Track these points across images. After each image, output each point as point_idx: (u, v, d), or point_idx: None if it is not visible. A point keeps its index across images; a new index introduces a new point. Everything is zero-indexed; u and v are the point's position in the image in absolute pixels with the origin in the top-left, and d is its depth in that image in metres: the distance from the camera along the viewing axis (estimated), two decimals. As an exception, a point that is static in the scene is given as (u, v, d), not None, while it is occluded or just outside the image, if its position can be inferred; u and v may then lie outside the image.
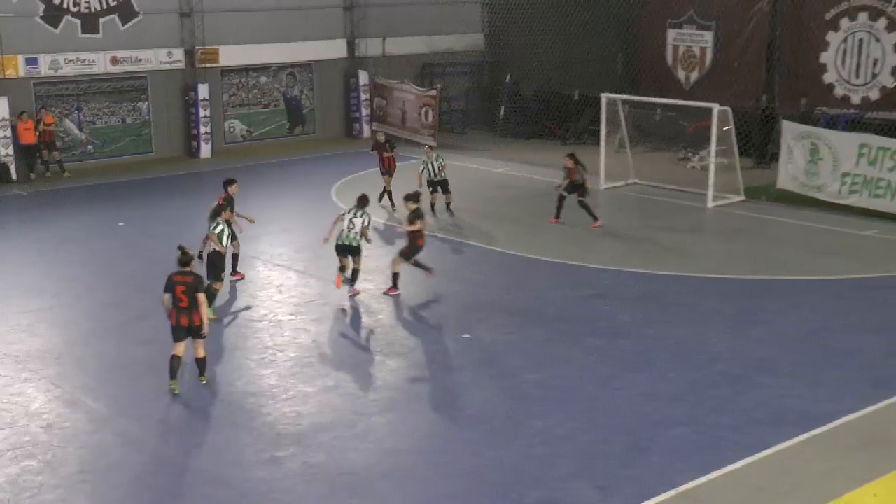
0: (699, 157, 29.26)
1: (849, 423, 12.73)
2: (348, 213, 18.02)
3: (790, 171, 24.85)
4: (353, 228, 17.80)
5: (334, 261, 20.00)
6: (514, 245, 21.26)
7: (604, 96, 27.53)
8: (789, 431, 12.43)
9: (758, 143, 29.70)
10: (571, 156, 23.09)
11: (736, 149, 25.70)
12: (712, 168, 25.09)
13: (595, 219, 22.76)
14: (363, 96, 35.70)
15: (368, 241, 18.12)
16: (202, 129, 32.31)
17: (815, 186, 24.35)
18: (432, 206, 24.06)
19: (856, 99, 29.27)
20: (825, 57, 29.74)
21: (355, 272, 18.17)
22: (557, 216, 23.06)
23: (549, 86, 35.51)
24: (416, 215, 18.12)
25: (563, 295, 18.08)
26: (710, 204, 24.81)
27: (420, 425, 12.96)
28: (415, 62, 36.90)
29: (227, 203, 18.04)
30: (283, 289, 18.72)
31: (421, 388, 14.16)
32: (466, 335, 16.12)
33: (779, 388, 13.81)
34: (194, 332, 13.81)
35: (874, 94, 28.86)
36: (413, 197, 18.40)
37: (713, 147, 25.14)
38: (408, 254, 18.30)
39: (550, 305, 17.56)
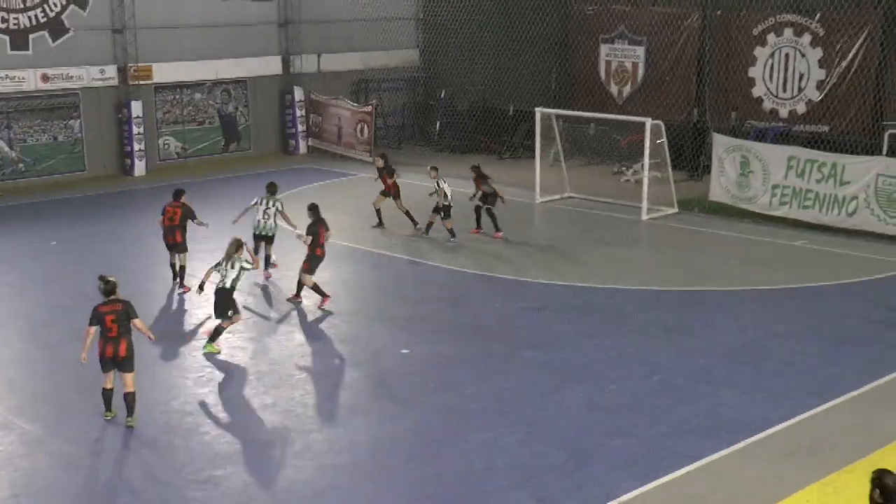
0: (633, 170, 29.50)
1: (784, 430, 12.83)
2: (262, 203, 19.03)
3: (722, 184, 25.13)
4: (268, 218, 18.84)
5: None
6: (452, 260, 21.20)
7: (538, 111, 27.65)
8: (727, 440, 12.49)
9: (690, 157, 30.02)
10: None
11: (669, 162, 25.96)
12: (646, 181, 25.30)
13: (497, 229, 23.08)
14: (299, 113, 35.47)
15: (293, 226, 19.08)
16: (136, 147, 31.83)
17: (746, 198, 24.64)
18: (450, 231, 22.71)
19: (783, 112, 29.72)
20: (753, 71, 30.17)
21: (268, 258, 19.74)
22: (478, 226, 23.47)
23: (483, 101, 35.60)
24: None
25: (502, 308, 18.04)
26: (645, 217, 24.99)
27: (360, 441, 12.80)
28: (350, 78, 36.77)
29: (187, 212, 19.22)
30: (219, 306, 18.42)
31: (359, 405, 13.99)
32: (405, 350, 16.00)
33: (716, 397, 13.89)
34: (121, 364, 13.11)
35: (801, 108, 29.33)
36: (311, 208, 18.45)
37: (646, 160, 25.36)
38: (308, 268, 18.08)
39: (489, 319, 17.51)
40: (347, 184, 30.48)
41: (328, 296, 18.09)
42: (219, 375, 15.01)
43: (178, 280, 19.41)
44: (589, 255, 21.76)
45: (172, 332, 17.00)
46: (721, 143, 25.30)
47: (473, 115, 35.52)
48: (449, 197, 22.65)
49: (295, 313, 17.88)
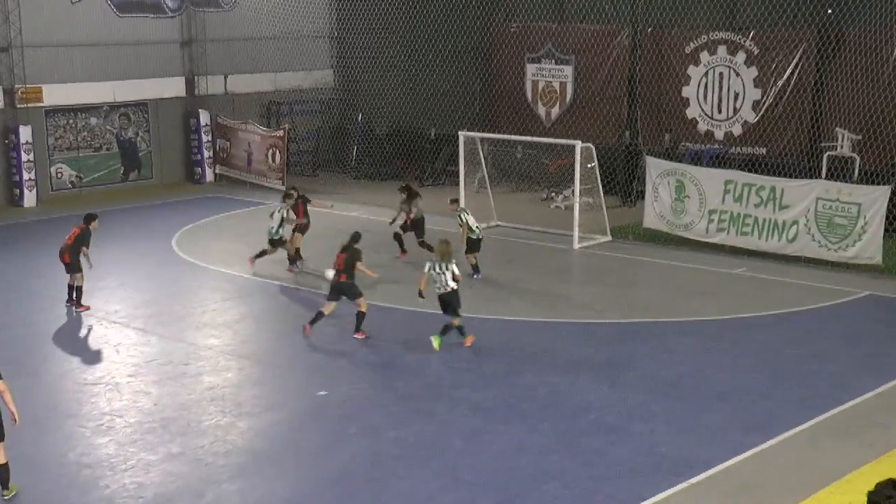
0: (563, 196, 29.87)
1: (726, 469, 13.04)
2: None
3: (656, 210, 25.58)
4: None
5: (175, 317, 19.73)
6: (370, 294, 21.20)
7: (462, 134, 27.88)
8: (665, 481, 12.67)
9: (623, 181, 30.50)
10: (403, 188, 24.23)
11: (600, 187, 26.34)
12: (577, 208, 25.64)
13: (403, 251, 23.96)
14: (205, 138, 35.31)
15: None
16: (25, 176, 31.38)
17: (682, 225, 25.11)
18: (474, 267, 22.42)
19: (719, 134, 30.39)
20: (687, 91, 30.83)
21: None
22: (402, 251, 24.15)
23: (403, 124, 35.76)
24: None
25: (425, 345, 18.11)
26: (577, 245, 25.30)
27: (274, 491, 12.74)
28: (260, 100, 36.73)
29: (84, 237, 20.11)
30: (120, 348, 18.24)
31: (274, 451, 13.93)
32: (322, 392, 15.98)
33: (653, 435, 14.09)
34: None
35: (737, 129, 30.03)
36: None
37: (577, 186, 25.70)
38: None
39: (412, 357, 17.56)
40: (258, 214, 30.33)
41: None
42: (120, 423, 14.83)
43: (72, 300, 20.46)
44: (517, 287, 21.95)
45: (70, 375, 16.77)
46: (655, 167, 25.77)
47: (392, 139, 35.68)
48: (475, 228, 22.46)
49: (204, 353, 17.76)
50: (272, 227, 23.10)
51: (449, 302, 17.82)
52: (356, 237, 19.04)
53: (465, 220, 22.54)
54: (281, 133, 33.52)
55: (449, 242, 18.26)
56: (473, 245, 22.47)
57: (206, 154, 35.44)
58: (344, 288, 18.41)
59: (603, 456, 13.47)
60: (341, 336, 18.73)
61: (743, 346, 17.97)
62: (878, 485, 8.32)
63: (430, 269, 17.78)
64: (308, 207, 24.31)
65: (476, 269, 22.39)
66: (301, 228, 23.90)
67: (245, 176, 34.48)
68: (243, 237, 26.81)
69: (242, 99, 36.27)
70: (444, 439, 14.11)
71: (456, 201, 23.82)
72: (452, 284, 17.68)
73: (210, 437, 14.32)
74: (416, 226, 24.16)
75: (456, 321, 17.86)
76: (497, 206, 28.13)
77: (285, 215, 23.09)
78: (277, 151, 33.32)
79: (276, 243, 23.15)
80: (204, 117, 35.29)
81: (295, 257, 23.52)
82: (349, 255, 18.45)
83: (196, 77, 35.60)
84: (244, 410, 15.30)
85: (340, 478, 13.02)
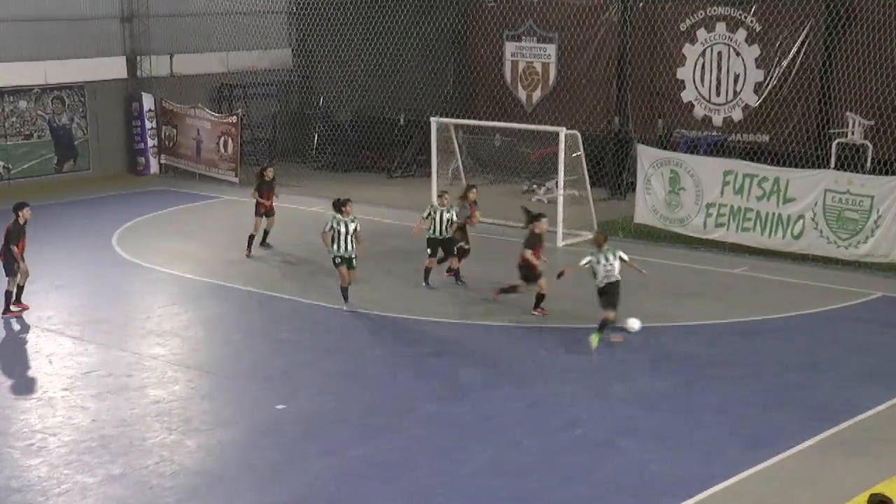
0: (546, 188, 29.95)
1: (722, 490, 13.13)
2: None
3: (649, 203, 25.69)
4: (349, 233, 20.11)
5: (116, 324, 19.75)
6: (334, 298, 21.23)
7: (434, 121, 27.90)
8: (657, 502, 12.77)
9: (611, 172, 30.61)
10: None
11: (587, 178, 26.41)
12: (561, 201, 25.70)
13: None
14: (148, 124, 35.20)
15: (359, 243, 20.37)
16: (-53, 167, 31.22)
17: (677, 220, 25.24)
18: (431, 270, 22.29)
19: (717, 120, 30.55)
20: (682, 73, 30.97)
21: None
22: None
23: (369, 109, 35.74)
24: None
25: (393, 354, 18.14)
26: (561, 243, 25.38)
27: (227, 517, 12.78)
28: (210, 83, 36.61)
29: (15, 231, 19.87)
30: (54, 359, 18.20)
31: (227, 472, 13.94)
32: (280, 406, 15.99)
33: (644, 452, 14.17)
34: None
35: (737, 114, 30.19)
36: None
37: (561, 177, 25.76)
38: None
39: (378, 367, 17.60)
40: (209, 208, 30.32)
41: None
42: (54, 442, 14.81)
43: (9, 310, 20.35)
44: (492, 289, 21.97)
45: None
46: (647, 157, 25.88)
47: (357, 126, 35.63)
48: (444, 228, 22.07)
49: (149, 364, 17.74)
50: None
51: (616, 293, 18.50)
52: (536, 217, 20.41)
53: (447, 217, 22.24)
54: (234, 119, 33.45)
55: (600, 234, 19.69)
56: (434, 244, 22.24)
57: (151, 142, 35.32)
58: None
59: (588, 475, 13.54)
60: (300, 344, 18.76)
61: (744, 353, 18.09)
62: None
63: (593, 261, 18.63)
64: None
65: (457, 274, 22.37)
66: (268, 212, 24.79)
67: (194, 167, 34.40)
68: (193, 234, 26.78)
69: (190, 81, 36.11)
70: (414, 457, 14.14)
71: (443, 195, 22.85)
72: (618, 275, 18.48)
73: (155, 457, 14.31)
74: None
75: (612, 315, 18.36)
76: (473, 199, 28.15)
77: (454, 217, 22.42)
78: (230, 139, 33.26)
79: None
80: (147, 101, 35.16)
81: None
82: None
83: (138, 57, 35.47)
84: (193, 427, 15.29)
85: (299, 501, 13.04)
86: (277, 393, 16.52)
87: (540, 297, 20.21)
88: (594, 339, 18.13)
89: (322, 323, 20.04)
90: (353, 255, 20.21)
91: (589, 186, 26.47)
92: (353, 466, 13.91)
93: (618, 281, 18.54)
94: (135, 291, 22.24)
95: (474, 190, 23.15)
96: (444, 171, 28.54)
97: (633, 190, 26.84)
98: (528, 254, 19.97)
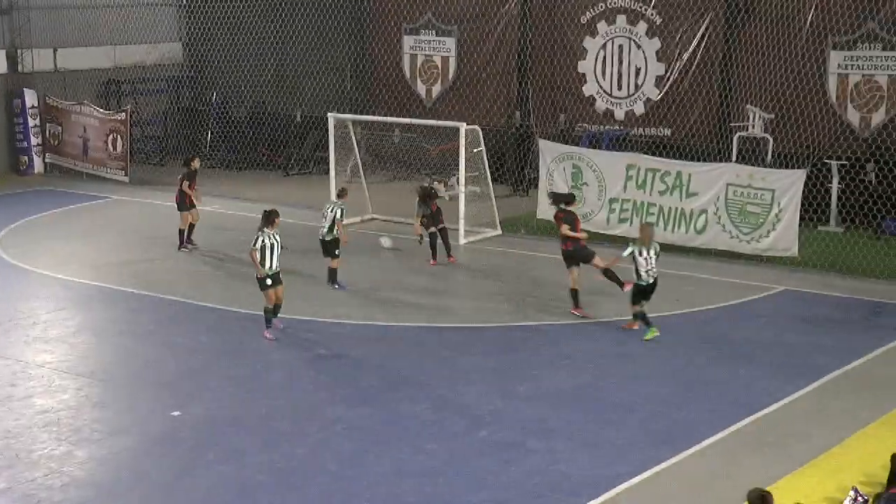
0: (447, 185, 29.97)
1: (631, 487, 13.24)
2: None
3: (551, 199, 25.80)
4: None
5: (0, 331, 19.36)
6: (231, 300, 21.02)
7: (331, 116, 27.79)
8: (566, 502, 12.79)
9: (513, 168, 30.74)
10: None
11: (489, 175, 26.49)
12: (462, 198, 25.74)
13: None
14: (31, 122, 34.53)
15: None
16: None
17: (580, 215, 25.31)
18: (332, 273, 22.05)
19: (619, 114, 30.83)
20: (584, 66, 31.18)
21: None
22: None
23: (265, 105, 35.50)
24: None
25: (292, 357, 17.99)
26: (463, 240, 25.42)
27: (121, 530, 12.54)
28: (97, 78, 36.06)
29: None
30: (-66, 368, 17.72)
31: (120, 483, 13.69)
32: (175, 413, 15.76)
33: (553, 452, 14.22)
34: None
35: (639, 108, 30.49)
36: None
37: (462, 173, 25.81)
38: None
39: (277, 370, 17.44)
40: (98, 208, 29.84)
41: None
42: (-66, 456, 14.42)
43: None
44: (397, 289, 21.94)
45: None
46: (549, 152, 26.02)
47: (253, 122, 35.41)
48: (328, 228, 21.73)
49: (35, 372, 17.35)
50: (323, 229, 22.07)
51: (654, 288, 18.76)
52: (569, 198, 20.86)
53: (328, 215, 22.02)
54: (122, 116, 33.00)
55: (649, 225, 19.87)
56: (326, 248, 21.99)
57: (34, 140, 34.65)
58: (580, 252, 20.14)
59: (497, 477, 13.53)
60: (195, 348, 18.51)
61: (649, 350, 18.26)
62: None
63: (635, 252, 18.68)
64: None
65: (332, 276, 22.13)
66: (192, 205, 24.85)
67: (81, 165, 33.86)
68: (80, 236, 26.31)
69: (76, 76, 35.55)
70: (316, 463, 14.03)
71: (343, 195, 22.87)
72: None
73: (43, 469, 14.01)
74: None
75: (644, 308, 18.77)
76: (372, 196, 28.11)
77: (338, 216, 22.00)
78: (119, 137, 32.80)
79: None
80: (30, 98, 34.49)
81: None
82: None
83: (19, 51, 34.78)
84: (83, 437, 15.00)
85: (197, 511, 12.86)
86: (172, 399, 16.27)
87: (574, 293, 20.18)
88: (651, 333, 18.57)
89: (218, 326, 19.80)
90: (279, 271, 18.74)
91: (490, 182, 26.54)
92: (253, 474, 13.75)
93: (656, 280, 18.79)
94: (19, 296, 21.74)
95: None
96: (342, 168, 28.42)
97: (536, 185, 27.00)
98: (566, 229, 20.03)
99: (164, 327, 19.80)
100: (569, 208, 20.51)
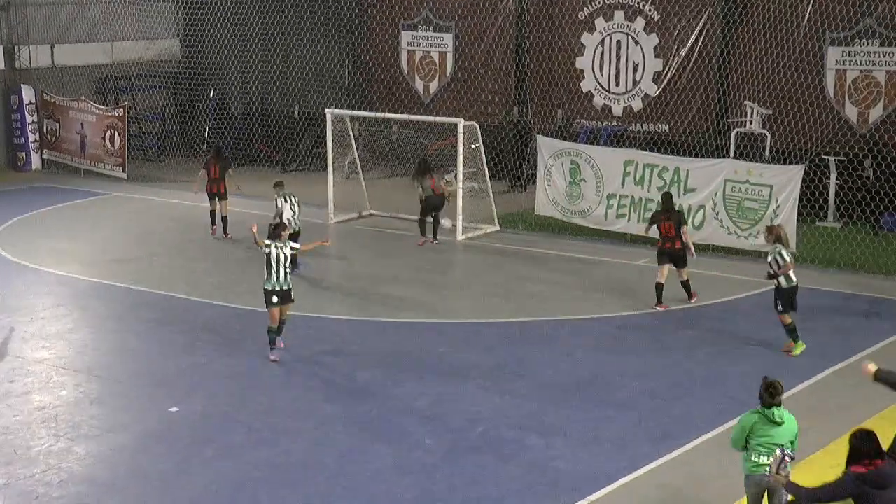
0: (444, 181, 29.89)
1: (629, 483, 13.26)
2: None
3: (549, 195, 25.83)
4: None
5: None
6: (228, 296, 21.02)
7: (329, 112, 27.77)
8: (564, 499, 12.81)
9: (511, 164, 30.72)
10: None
11: (486, 171, 26.48)
12: (460, 194, 25.73)
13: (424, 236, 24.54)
14: (29, 118, 34.50)
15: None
16: None
17: (578, 211, 25.41)
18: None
19: (617, 110, 30.82)
20: (581, 62, 31.17)
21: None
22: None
23: (262, 101, 35.50)
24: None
25: (290, 353, 17.97)
26: (461, 237, 25.42)
27: (119, 526, 12.54)
28: (94, 74, 36.02)
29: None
30: (-69, 365, 17.71)
31: (118, 479, 13.69)
32: (173, 409, 15.76)
33: (550, 449, 14.23)
34: None
35: (637, 104, 30.48)
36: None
37: (460, 169, 25.81)
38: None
39: (275, 367, 17.41)
40: (96, 205, 29.82)
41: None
42: (-68, 453, 14.42)
43: None
44: (395, 285, 21.95)
45: None
46: (547, 148, 26.01)
47: (250, 118, 35.38)
48: (286, 218, 21.69)
49: (33, 369, 17.33)
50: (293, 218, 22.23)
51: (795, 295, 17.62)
52: (669, 197, 20.78)
53: (279, 208, 22.14)
54: (120, 112, 32.97)
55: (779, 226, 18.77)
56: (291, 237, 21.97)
57: (32, 137, 34.62)
58: (678, 255, 20.11)
59: (494, 473, 13.54)
60: (193, 345, 18.50)
61: (647, 346, 18.27)
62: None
63: (777, 256, 17.48)
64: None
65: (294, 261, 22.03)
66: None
67: (78, 162, 33.82)
68: (78, 233, 26.29)
69: (73, 73, 35.52)
70: (314, 460, 14.03)
71: (280, 185, 22.97)
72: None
73: (41, 465, 14.01)
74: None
75: (789, 319, 17.68)
76: (370, 192, 28.10)
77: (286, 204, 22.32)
78: (116, 133, 32.76)
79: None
80: (28, 94, 34.45)
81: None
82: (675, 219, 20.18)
83: (17, 47, 34.75)
84: (82, 433, 15.00)
85: (195, 507, 12.86)
86: (170, 396, 16.26)
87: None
88: (798, 349, 17.62)
89: (216, 322, 19.78)
90: (288, 287, 17.52)
91: (488, 179, 26.54)
92: (251, 471, 13.75)
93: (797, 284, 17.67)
94: (18, 293, 21.73)
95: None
96: (340, 164, 28.43)
97: (534, 182, 26.99)
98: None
99: (162, 324, 19.79)
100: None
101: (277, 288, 17.38)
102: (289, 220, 21.60)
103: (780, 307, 17.53)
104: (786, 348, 17.72)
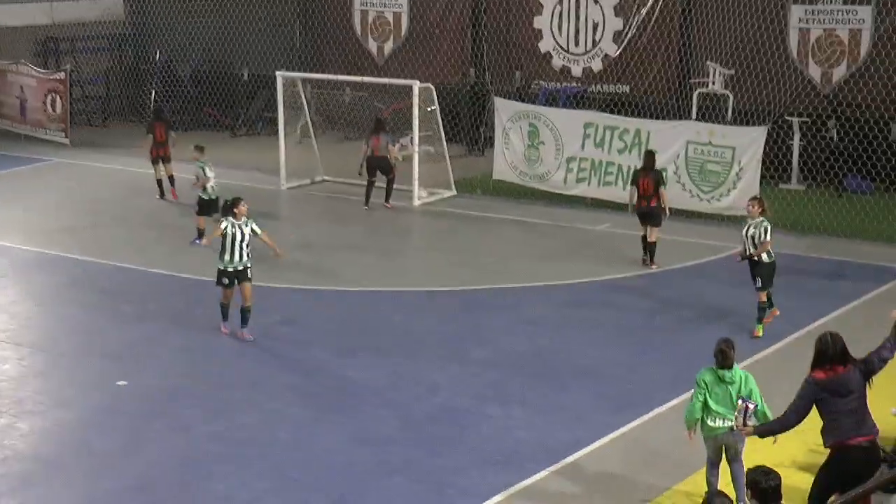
0: (400, 145, 29.85)
1: (590, 453, 13.37)
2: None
3: (507, 159, 25.85)
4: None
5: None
6: (177, 265, 20.92)
7: (280, 75, 27.63)
8: (524, 469, 12.91)
9: (468, 127, 30.70)
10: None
11: (443, 134, 26.47)
12: (416, 158, 25.71)
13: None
14: (-35, 82, 34.11)
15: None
16: None
17: (537, 175, 25.45)
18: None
19: (577, 70, 30.80)
20: (539, 21, 31.11)
21: None
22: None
23: (210, 64, 35.21)
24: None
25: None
26: (417, 202, 25.42)
27: (66, 504, 12.52)
28: (33, 36, 35.55)
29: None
30: None
31: (64, 456, 13.66)
32: (121, 382, 15.71)
33: (509, 418, 14.32)
34: None
35: (597, 65, 30.48)
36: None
37: (415, 133, 25.78)
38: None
39: (227, 338, 17.37)
40: (38, 172, 29.56)
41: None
42: None
43: None
44: (350, 253, 21.94)
45: None
46: (505, 110, 26.02)
47: (198, 81, 35.09)
48: (210, 185, 21.78)
49: (-28, 344, 17.26)
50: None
51: (771, 272, 17.19)
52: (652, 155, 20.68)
53: (207, 175, 21.94)
54: (62, 75, 32.64)
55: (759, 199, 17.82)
56: (207, 206, 21.91)
57: (-31, 102, 34.25)
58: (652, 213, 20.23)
59: (453, 444, 13.62)
60: (142, 316, 18.42)
61: (608, 313, 18.38)
62: (752, 471, 8.88)
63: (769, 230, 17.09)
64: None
65: (200, 233, 21.93)
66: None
67: (19, 127, 33.44)
68: (19, 201, 26.06)
69: (11, 34, 34.97)
70: (267, 433, 14.06)
71: (200, 149, 22.62)
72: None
73: (-15, 443, 13.96)
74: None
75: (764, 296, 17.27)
76: (323, 157, 28.01)
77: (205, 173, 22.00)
78: (58, 97, 32.44)
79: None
80: (-37, 57, 34.07)
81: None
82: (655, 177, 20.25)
83: (-50, 7, 34.30)
84: (26, 409, 14.94)
85: (144, 484, 12.85)
86: (118, 369, 16.21)
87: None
88: (761, 330, 17.16)
89: (165, 293, 19.71)
90: (249, 265, 16.93)
91: (445, 142, 26.52)
92: (204, 445, 13.76)
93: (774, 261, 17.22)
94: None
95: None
96: (291, 128, 28.31)
97: (491, 145, 27.00)
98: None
99: (109, 295, 19.69)
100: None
101: (230, 269, 16.82)
102: (212, 188, 21.78)
103: (759, 283, 17.18)
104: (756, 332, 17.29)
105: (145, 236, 23.23)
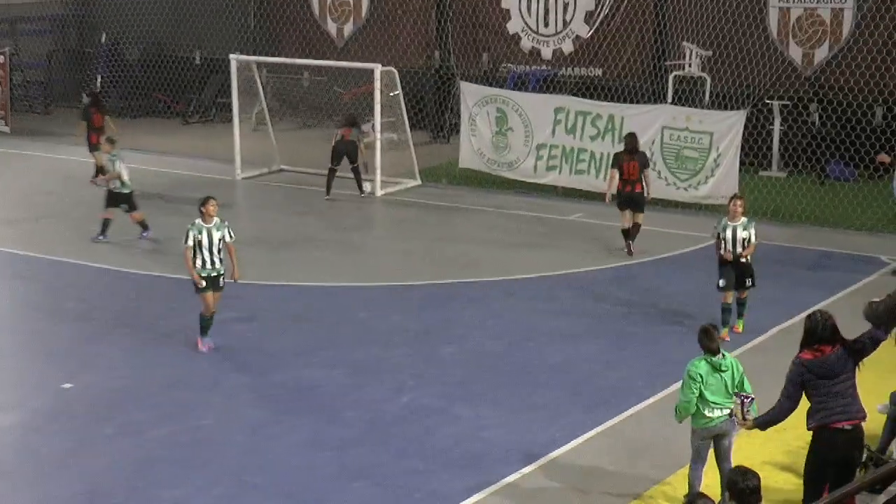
0: (361, 132, 29.83)
1: (564, 454, 13.37)
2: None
3: (474, 146, 25.86)
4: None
5: None
6: (126, 262, 20.83)
7: (234, 58, 27.54)
8: (494, 471, 12.88)
9: (433, 112, 30.72)
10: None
11: (406, 120, 26.45)
12: (378, 146, 25.69)
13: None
14: None
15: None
16: None
17: (505, 163, 25.47)
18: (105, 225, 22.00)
19: (547, 53, 30.87)
20: (507, 2, 31.15)
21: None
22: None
23: (160, 47, 35.10)
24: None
25: (195, 321, 17.85)
26: (379, 192, 25.41)
27: (10, 513, 12.44)
28: (-29, 18, 35.43)
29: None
30: None
31: (7, 462, 13.57)
32: (68, 385, 15.61)
33: (479, 419, 14.30)
34: None
35: (567, 47, 30.54)
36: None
37: (377, 119, 25.74)
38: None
39: (177, 335, 17.27)
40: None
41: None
42: None
43: None
44: (311, 246, 21.92)
45: None
46: (471, 95, 26.03)
47: (147, 65, 34.98)
48: (125, 178, 21.74)
49: None
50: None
51: (740, 272, 16.78)
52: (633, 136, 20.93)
53: (118, 169, 21.75)
54: (1, 59, 32.45)
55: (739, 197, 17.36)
56: (119, 199, 21.83)
57: None
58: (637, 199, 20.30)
59: (420, 446, 13.60)
60: (88, 314, 18.31)
61: (581, 307, 18.40)
62: (730, 471, 8.91)
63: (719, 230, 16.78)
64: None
65: (144, 225, 21.97)
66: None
67: (-43, 115, 33.33)
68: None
69: (-52, 17, 34.90)
70: (223, 435, 14.01)
71: (112, 142, 22.61)
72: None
73: (-78, 449, 13.86)
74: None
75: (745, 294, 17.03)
76: (280, 146, 27.96)
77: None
78: (-2, 83, 32.37)
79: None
80: None
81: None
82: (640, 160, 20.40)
83: None
84: (-34, 413, 14.85)
85: (94, 490, 12.77)
86: (63, 370, 16.10)
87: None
88: (725, 331, 16.59)
89: (112, 290, 19.63)
90: (221, 272, 16.40)
91: (409, 129, 26.50)
92: (154, 449, 13.68)
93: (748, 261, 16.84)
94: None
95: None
96: (247, 115, 28.26)
97: (457, 132, 27.04)
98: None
99: (53, 292, 19.57)
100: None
101: (204, 274, 16.29)
102: (124, 182, 21.70)
103: (751, 283, 16.88)
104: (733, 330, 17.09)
105: (90, 230, 23.05)
